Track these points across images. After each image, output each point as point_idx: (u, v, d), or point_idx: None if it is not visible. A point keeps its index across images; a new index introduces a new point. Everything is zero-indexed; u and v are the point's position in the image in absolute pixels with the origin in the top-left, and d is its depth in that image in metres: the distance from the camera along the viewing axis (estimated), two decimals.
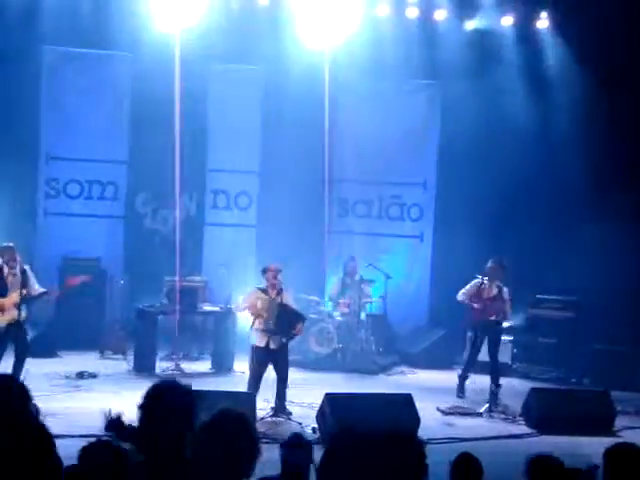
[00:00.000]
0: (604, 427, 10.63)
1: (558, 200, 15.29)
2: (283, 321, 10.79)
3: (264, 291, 10.95)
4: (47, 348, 13.40)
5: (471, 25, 15.55)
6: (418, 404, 10.17)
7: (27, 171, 15.20)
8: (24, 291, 10.97)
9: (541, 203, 15.41)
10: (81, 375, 12.20)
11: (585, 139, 14.91)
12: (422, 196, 16.59)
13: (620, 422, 11.09)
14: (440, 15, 15.32)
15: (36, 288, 11.22)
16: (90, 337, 14.22)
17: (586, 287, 13.89)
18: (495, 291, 12.31)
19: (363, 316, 14.74)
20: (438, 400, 11.91)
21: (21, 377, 9.79)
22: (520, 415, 11.21)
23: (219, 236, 16.17)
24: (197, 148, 15.85)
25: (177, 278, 13.58)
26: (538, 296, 14.84)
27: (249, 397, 10.02)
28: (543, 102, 15.45)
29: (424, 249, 16.52)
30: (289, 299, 11.13)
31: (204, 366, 13.60)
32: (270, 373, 10.99)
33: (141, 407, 3.86)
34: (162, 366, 13.01)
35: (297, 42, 14.93)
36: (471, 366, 12.60)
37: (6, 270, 11.08)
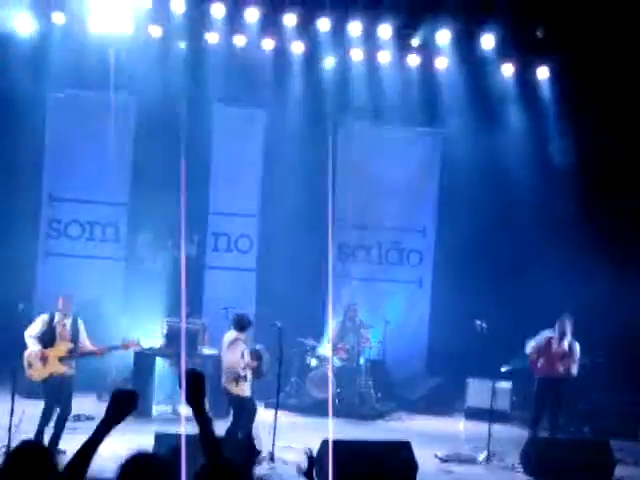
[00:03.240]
0: (603, 477, 10.57)
1: (558, 248, 15.30)
2: (261, 366, 10.86)
3: (244, 342, 10.85)
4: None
5: (472, 73, 15.67)
6: (416, 451, 10.12)
7: (29, 212, 15.28)
8: (71, 345, 10.53)
9: (541, 251, 15.43)
10: (78, 418, 12.03)
11: (586, 185, 14.98)
12: (421, 242, 16.64)
13: (620, 472, 11.02)
14: (441, 63, 15.45)
15: (86, 344, 10.75)
16: (87, 379, 14.14)
17: (586, 335, 13.85)
18: (565, 347, 12.07)
19: (362, 361, 14.71)
20: (436, 447, 11.85)
21: (15, 420, 9.72)
22: (519, 463, 11.14)
23: (220, 279, 16.18)
24: (199, 190, 15.93)
25: (181, 319, 13.53)
26: None
27: (246, 443, 9.99)
28: (543, 150, 15.55)
29: (423, 295, 16.53)
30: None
31: None
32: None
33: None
34: (159, 409, 12.95)
35: (300, 86, 15.09)
36: (537, 424, 12.22)
37: (57, 319, 10.60)
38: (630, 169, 14.97)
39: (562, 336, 12.07)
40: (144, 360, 13.20)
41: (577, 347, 12.11)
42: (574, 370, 12.14)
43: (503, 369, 13.00)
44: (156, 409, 12.91)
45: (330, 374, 14.14)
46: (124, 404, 4.11)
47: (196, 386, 4.14)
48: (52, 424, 10.42)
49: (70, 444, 10.67)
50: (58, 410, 10.45)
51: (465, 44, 14.96)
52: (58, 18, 14.40)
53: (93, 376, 14.27)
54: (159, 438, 9.54)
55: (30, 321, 11.08)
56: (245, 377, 10.62)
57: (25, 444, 4.03)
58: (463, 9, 14.08)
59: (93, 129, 15.36)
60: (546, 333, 12.20)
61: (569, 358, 12.03)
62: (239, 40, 14.96)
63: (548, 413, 12.22)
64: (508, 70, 15.44)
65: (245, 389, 10.68)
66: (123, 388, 4.22)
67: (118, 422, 4.07)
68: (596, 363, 13.77)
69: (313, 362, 14.37)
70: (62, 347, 10.50)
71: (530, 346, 12.20)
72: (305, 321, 14.80)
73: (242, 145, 16.17)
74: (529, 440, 11.19)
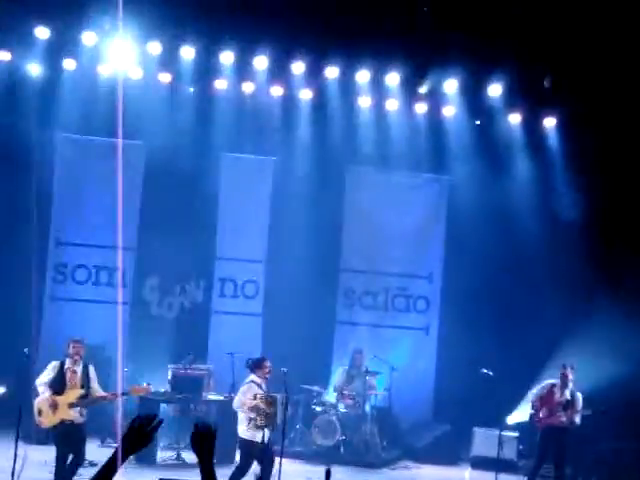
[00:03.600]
0: None
1: (564, 294, 15.27)
2: (275, 414, 10.71)
3: (259, 386, 10.87)
4: (46, 435, 13.17)
5: (479, 121, 15.77)
6: None
7: (36, 255, 15.30)
8: (82, 392, 10.42)
9: (547, 298, 15.38)
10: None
11: (593, 232, 14.99)
12: (428, 288, 16.60)
13: None
14: (449, 111, 15.55)
15: (97, 389, 10.63)
16: (91, 424, 14.05)
17: (593, 382, 13.77)
18: (567, 396, 12.06)
19: (368, 408, 14.60)
20: None
21: (18, 466, 9.65)
22: None
23: (225, 324, 16.15)
24: (206, 236, 15.99)
25: (186, 365, 13.51)
26: None
27: None
28: (549, 199, 15.58)
29: (429, 342, 16.45)
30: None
31: None
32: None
33: None
34: (163, 456, 12.86)
35: (308, 133, 15.21)
36: (536, 473, 12.19)
37: (67, 365, 10.51)
38: (636, 221, 14.96)
39: (564, 385, 12.05)
40: (149, 406, 13.10)
41: (579, 396, 12.09)
42: (577, 419, 12.08)
43: (509, 421, 12.88)
44: (160, 455, 12.81)
45: (336, 421, 14.03)
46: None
47: (207, 441, 4.07)
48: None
49: None
50: (70, 457, 10.36)
51: (472, 93, 15.08)
52: (69, 64, 14.57)
53: (96, 422, 14.21)
54: None
55: (35, 365, 11.05)
56: (255, 421, 10.53)
57: None
58: (471, 58, 14.20)
59: (101, 174, 15.42)
60: (549, 382, 12.15)
61: (572, 408, 11.98)
62: (248, 87, 15.11)
63: (553, 464, 12.13)
64: (515, 119, 15.55)
65: (255, 434, 10.58)
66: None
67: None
68: (602, 412, 13.67)
69: (318, 409, 14.27)
70: (72, 394, 10.39)
71: (533, 394, 12.15)
72: (311, 368, 14.74)
73: (250, 191, 16.23)
74: None
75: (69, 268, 15.69)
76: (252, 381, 10.81)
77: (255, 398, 10.56)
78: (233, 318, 16.20)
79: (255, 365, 10.93)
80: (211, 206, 16.05)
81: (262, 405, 10.56)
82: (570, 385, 12.03)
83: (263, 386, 10.86)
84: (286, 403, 11.06)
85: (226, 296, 16.34)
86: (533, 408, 12.12)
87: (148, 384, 11.31)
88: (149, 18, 13.38)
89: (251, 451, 10.68)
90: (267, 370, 10.89)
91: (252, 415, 10.53)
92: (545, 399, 12.04)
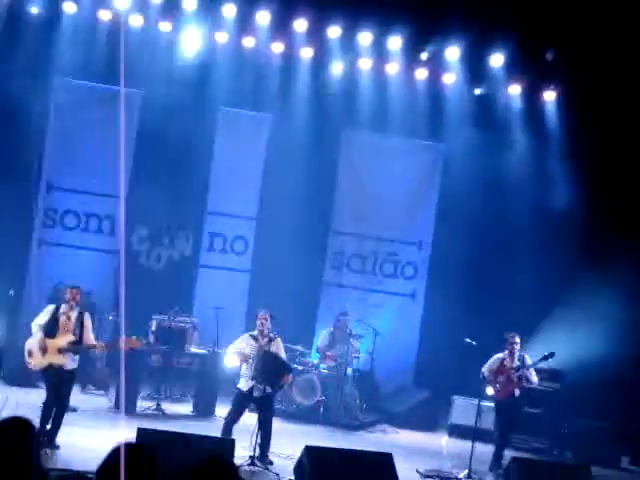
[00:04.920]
0: None
1: (551, 267, 15.30)
2: (269, 370, 10.75)
3: (254, 338, 10.97)
4: (27, 378, 13.15)
5: (479, 91, 15.70)
6: (398, 464, 10.05)
7: (26, 199, 15.23)
8: (73, 338, 10.32)
9: (534, 271, 15.41)
10: None
11: (585, 204, 14.98)
12: (417, 255, 16.62)
13: None
14: (449, 79, 15.47)
15: (90, 338, 10.53)
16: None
17: (573, 358, 13.85)
18: (517, 362, 12.31)
19: (349, 371, 14.65)
20: (418, 462, 11.80)
21: (3, 409, 9.64)
22: None
23: (213, 278, 16.15)
24: (198, 189, 15.94)
25: (171, 317, 13.55)
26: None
27: (228, 443, 9.92)
28: (544, 169, 15.55)
29: (415, 308, 16.50)
30: (279, 348, 11.11)
31: (186, 408, 13.49)
32: (248, 419, 10.96)
33: (98, 473, 3.78)
34: (143, 405, 12.91)
35: (305, 91, 15.11)
36: (504, 441, 12.43)
37: (62, 310, 10.42)
38: (634, 196, 14.95)
39: (512, 353, 12.31)
40: (131, 355, 13.12)
41: (527, 357, 12.39)
42: (534, 379, 12.41)
43: (489, 392, 12.98)
44: (140, 405, 12.86)
45: (316, 381, 14.09)
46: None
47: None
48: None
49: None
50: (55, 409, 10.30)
51: (474, 61, 14.99)
52: (69, 7, 14.42)
53: (79, 367, 14.23)
54: (142, 434, 9.48)
55: (21, 306, 11.08)
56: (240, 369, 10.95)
57: (12, 418, 4.14)
58: (474, 26, 14.09)
59: (96, 120, 15.31)
60: (497, 356, 12.37)
61: (524, 369, 12.25)
62: (248, 42, 14.98)
63: (499, 431, 12.44)
64: (515, 90, 15.48)
65: (241, 382, 10.96)
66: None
67: None
68: (583, 386, 13.81)
69: (300, 368, 14.31)
70: (63, 338, 10.33)
71: (484, 369, 12.33)
72: (295, 327, 14.76)
73: (245, 147, 16.15)
74: (512, 460, 11.14)
75: (59, 213, 15.63)
76: (249, 333, 11.13)
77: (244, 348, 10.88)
78: (221, 273, 16.21)
79: (255, 317, 11.20)
80: (205, 160, 15.98)
81: (247, 352, 10.81)
82: (516, 351, 12.31)
83: (260, 338, 11.01)
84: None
85: (215, 250, 16.34)
86: (487, 382, 12.30)
87: (138, 338, 11.08)
88: None
89: (236, 399, 10.92)
90: (259, 322, 11.05)
91: (239, 362, 10.88)
92: (498, 371, 12.29)
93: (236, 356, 10.96)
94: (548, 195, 15.47)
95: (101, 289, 15.17)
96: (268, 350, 10.88)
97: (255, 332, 11.07)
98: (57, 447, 9.98)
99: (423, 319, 16.36)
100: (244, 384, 10.87)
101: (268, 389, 10.79)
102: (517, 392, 12.29)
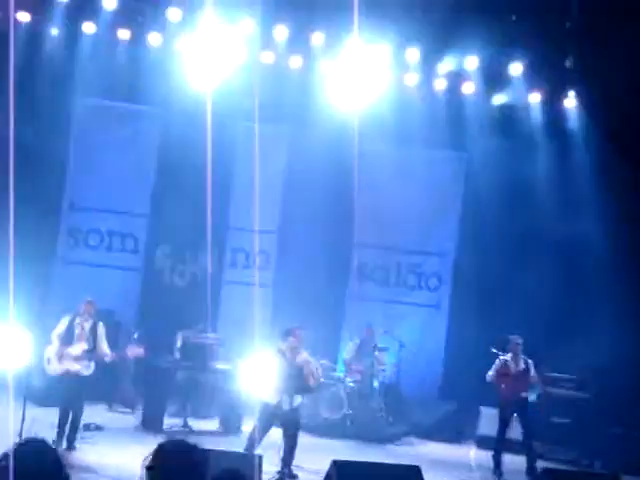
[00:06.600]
0: None
1: (577, 275, 15.19)
2: (297, 384, 10.76)
3: (283, 353, 10.95)
4: (55, 397, 13.18)
5: (499, 100, 15.65)
6: (425, 476, 9.98)
7: (50, 219, 15.32)
8: (86, 346, 11.03)
9: (559, 278, 15.31)
10: (87, 427, 12.00)
11: (608, 213, 14.86)
12: (441, 266, 16.56)
13: None
14: (468, 88, 15.43)
15: (102, 346, 11.21)
16: (99, 388, 14.10)
17: (602, 367, 13.73)
18: (522, 365, 12.40)
19: (376, 384, 14.60)
20: (447, 474, 11.73)
21: (27, 426, 9.78)
22: None
23: (236, 294, 16.14)
24: (220, 205, 15.94)
25: (196, 333, 13.58)
26: (553, 374, 14.65)
27: (255, 459, 9.89)
28: (567, 178, 15.46)
29: (440, 319, 16.43)
30: (308, 358, 11.09)
31: (212, 425, 13.47)
32: (274, 434, 10.94)
33: (148, 468, 3.74)
34: (170, 423, 12.90)
35: (325, 104, 15.10)
36: (502, 446, 12.45)
37: (77, 320, 11.17)
38: None
39: (516, 355, 12.39)
40: (157, 372, 13.16)
41: (530, 362, 12.48)
42: (538, 385, 12.62)
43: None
44: (167, 422, 12.85)
45: (343, 395, 14.04)
46: None
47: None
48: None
49: (78, 452, 10.76)
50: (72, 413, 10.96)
51: (493, 71, 14.95)
52: (88, 27, 14.51)
53: (105, 386, 14.27)
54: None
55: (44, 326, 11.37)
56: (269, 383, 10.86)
57: (30, 440, 3.95)
58: (493, 36, 14.05)
59: (119, 139, 15.39)
60: (501, 358, 12.46)
61: (529, 375, 12.41)
62: (267, 57, 15.01)
63: (522, 436, 12.41)
64: (535, 98, 15.42)
65: (270, 395, 10.85)
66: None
67: None
68: (612, 395, 13.68)
69: (325, 382, 14.25)
70: (78, 347, 11.01)
71: (488, 375, 12.37)
72: (320, 341, 14.72)
73: (265, 161, 16.14)
74: (542, 472, 11.03)
75: (82, 232, 15.70)
76: (278, 347, 11.05)
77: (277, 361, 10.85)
78: (244, 288, 16.19)
79: (285, 333, 11.11)
80: (226, 175, 16.00)
81: (277, 366, 10.77)
82: (520, 353, 12.42)
83: (287, 354, 10.96)
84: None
85: (237, 267, 16.33)
86: (494, 383, 12.39)
87: (140, 346, 11.75)
88: None
89: (263, 412, 10.82)
90: (295, 339, 11.02)
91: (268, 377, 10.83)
92: (503, 373, 12.33)
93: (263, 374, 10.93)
94: (572, 199, 15.37)
95: (125, 307, 15.24)
96: (299, 364, 10.90)
97: (284, 346, 11.02)
98: (74, 448, 10.81)
99: (448, 330, 16.28)
100: (272, 397, 10.84)
101: (295, 402, 10.77)
102: (524, 394, 12.33)
